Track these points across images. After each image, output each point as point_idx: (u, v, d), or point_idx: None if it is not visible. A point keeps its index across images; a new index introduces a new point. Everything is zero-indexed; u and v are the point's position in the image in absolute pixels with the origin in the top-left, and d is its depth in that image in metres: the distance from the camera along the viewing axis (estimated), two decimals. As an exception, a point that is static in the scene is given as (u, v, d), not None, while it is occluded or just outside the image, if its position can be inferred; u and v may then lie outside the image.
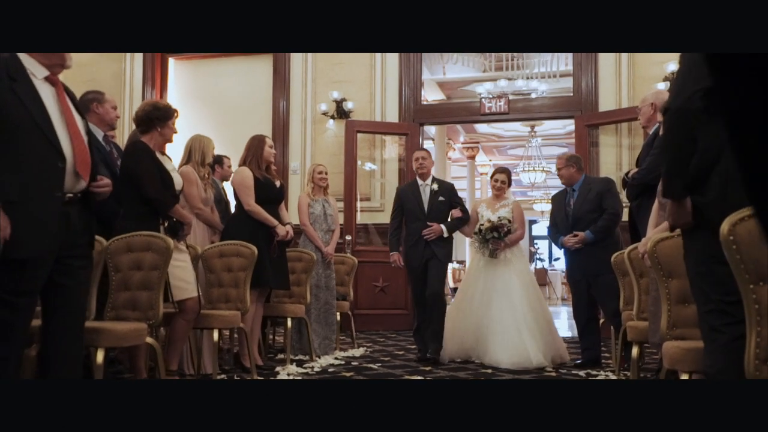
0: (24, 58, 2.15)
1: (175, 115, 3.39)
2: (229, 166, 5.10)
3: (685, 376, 2.11)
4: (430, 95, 10.06)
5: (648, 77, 6.28)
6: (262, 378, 3.79)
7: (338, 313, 5.02)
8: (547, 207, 15.83)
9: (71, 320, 2.28)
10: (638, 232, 3.55)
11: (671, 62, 6.02)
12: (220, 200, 4.65)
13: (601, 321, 4.51)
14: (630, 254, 3.24)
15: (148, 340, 2.91)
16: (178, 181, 3.39)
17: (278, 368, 4.07)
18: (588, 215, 4.34)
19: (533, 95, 8.21)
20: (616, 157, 6.56)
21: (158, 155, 3.30)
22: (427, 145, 9.04)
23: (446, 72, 9.74)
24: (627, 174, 3.88)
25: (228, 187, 4.80)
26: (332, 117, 7.09)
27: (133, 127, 3.57)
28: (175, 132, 3.40)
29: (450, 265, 6.79)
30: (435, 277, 4.46)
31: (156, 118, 3.28)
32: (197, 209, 3.99)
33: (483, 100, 7.23)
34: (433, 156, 5.20)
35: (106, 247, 2.90)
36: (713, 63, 0.56)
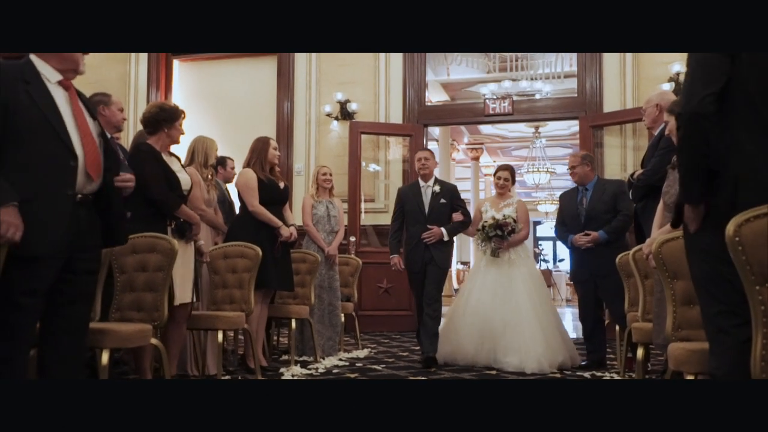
0: (38, 63, 2.18)
1: (182, 116, 3.40)
2: (233, 168, 5.11)
3: (690, 378, 2.11)
4: (434, 96, 10.06)
5: (653, 78, 6.26)
6: (266, 379, 3.79)
7: (342, 314, 5.02)
8: (552, 208, 15.86)
9: (73, 322, 2.27)
10: (643, 233, 3.55)
11: (676, 63, 6.01)
12: (224, 201, 4.66)
13: (606, 322, 4.50)
14: (635, 255, 3.23)
15: (153, 341, 2.92)
16: (185, 181, 3.39)
17: (282, 369, 4.07)
18: (602, 215, 4.34)
19: (537, 96, 8.19)
20: (621, 158, 6.54)
21: (165, 156, 3.31)
22: (431, 146, 9.03)
23: (450, 73, 9.74)
24: (632, 175, 3.87)
25: (231, 189, 4.81)
26: (336, 118, 7.10)
27: (138, 128, 3.57)
28: (182, 133, 3.41)
29: (454, 267, 6.77)
30: (432, 282, 4.42)
31: (163, 119, 3.30)
32: (200, 210, 3.99)
33: (487, 101, 7.23)
34: (437, 157, 5.17)
35: (110, 249, 2.91)
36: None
